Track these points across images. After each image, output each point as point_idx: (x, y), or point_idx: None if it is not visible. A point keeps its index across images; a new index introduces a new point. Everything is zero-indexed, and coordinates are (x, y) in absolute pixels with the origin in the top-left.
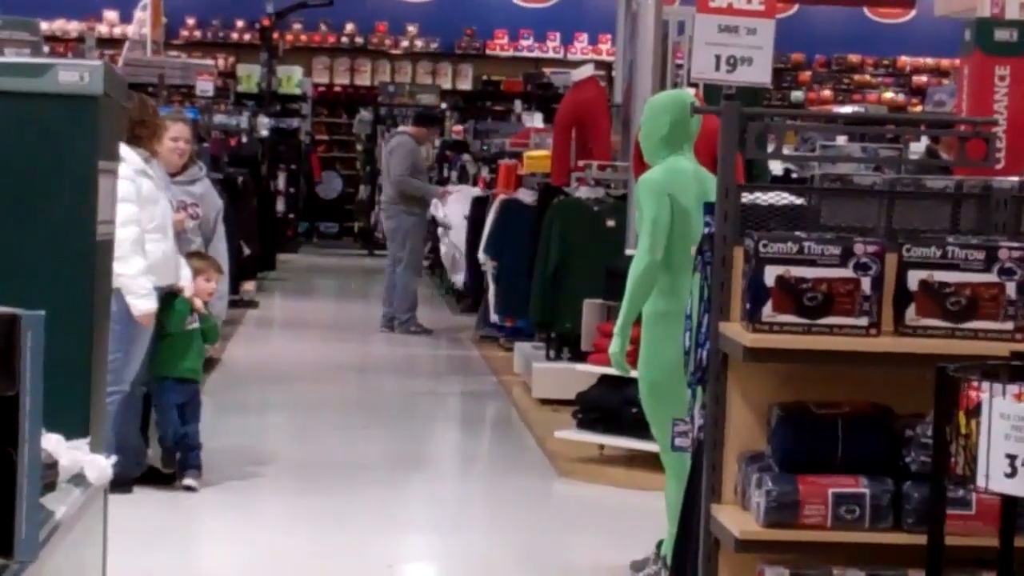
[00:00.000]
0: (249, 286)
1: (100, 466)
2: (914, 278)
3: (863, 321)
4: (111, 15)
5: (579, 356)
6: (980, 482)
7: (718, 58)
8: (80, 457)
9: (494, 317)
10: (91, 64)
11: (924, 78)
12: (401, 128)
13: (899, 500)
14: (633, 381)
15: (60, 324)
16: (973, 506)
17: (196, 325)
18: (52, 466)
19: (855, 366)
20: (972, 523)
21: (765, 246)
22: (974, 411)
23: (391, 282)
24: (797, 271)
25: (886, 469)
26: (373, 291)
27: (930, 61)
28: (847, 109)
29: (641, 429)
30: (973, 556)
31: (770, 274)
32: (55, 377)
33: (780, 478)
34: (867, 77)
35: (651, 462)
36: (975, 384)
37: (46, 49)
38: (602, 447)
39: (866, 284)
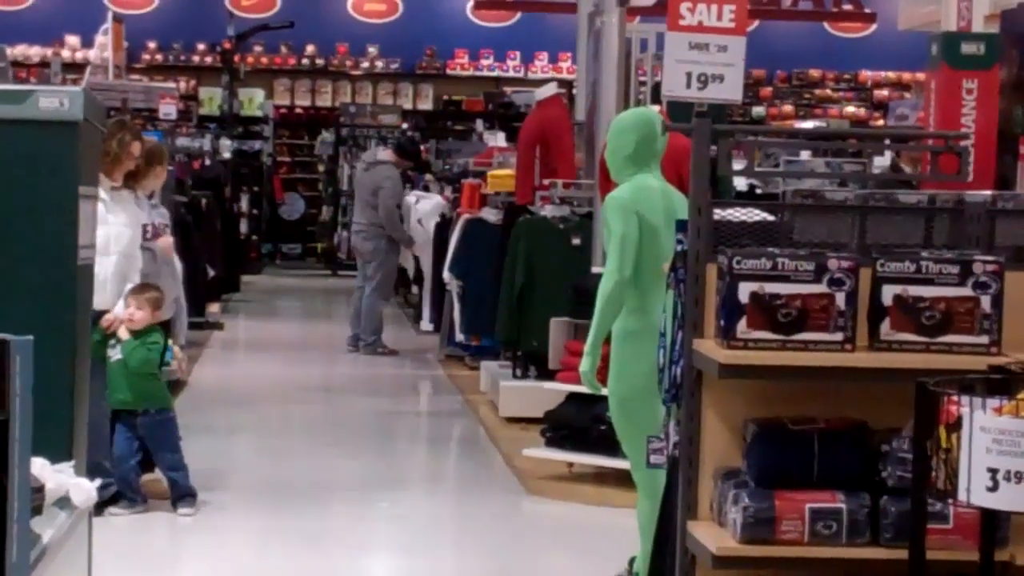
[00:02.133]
0: (214, 308)
1: (85, 489)
2: (888, 293)
3: (838, 336)
4: (72, 40)
5: (546, 374)
6: (961, 496)
7: (689, 75)
8: (65, 480)
9: (459, 336)
10: (70, 90)
11: (885, 92)
12: (382, 155)
13: (876, 515)
14: (602, 399)
15: (43, 348)
16: (951, 520)
17: (119, 356)
18: (39, 490)
19: (830, 381)
20: (950, 537)
21: (739, 263)
22: (955, 425)
23: (360, 303)
24: (771, 287)
25: (862, 484)
26: (337, 311)
27: (891, 75)
28: (809, 124)
29: (610, 446)
30: (951, 570)
31: (744, 290)
32: (39, 401)
33: (756, 494)
34: (828, 92)
35: (620, 479)
36: (954, 398)
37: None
38: (571, 464)
39: (840, 299)
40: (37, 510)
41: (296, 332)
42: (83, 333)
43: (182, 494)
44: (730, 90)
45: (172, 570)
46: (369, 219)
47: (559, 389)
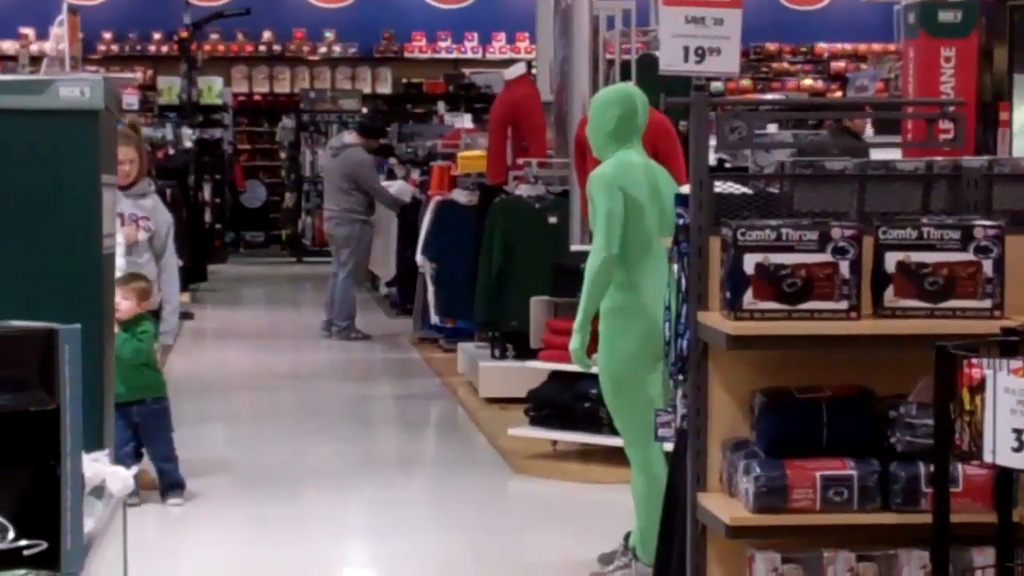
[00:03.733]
0: (184, 298)
1: (122, 477)
2: (891, 260)
3: (843, 305)
4: (27, 32)
5: (524, 354)
6: (987, 457)
7: (686, 50)
8: (101, 469)
9: (434, 319)
10: (91, 79)
11: (842, 64)
12: (348, 139)
13: (886, 480)
14: (585, 376)
15: None
16: (960, 483)
17: None
18: None
19: (836, 349)
20: (960, 500)
21: (743, 234)
22: (978, 387)
23: (334, 288)
24: (776, 258)
25: (871, 450)
26: (305, 298)
27: (847, 47)
28: (769, 97)
29: (594, 424)
30: (962, 533)
31: (749, 262)
32: None
33: (767, 464)
34: (785, 65)
35: (605, 456)
36: (975, 361)
37: None
38: (555, 443)
39: (844, 268)
40: None
41: (266, 320)
42: (108, 321)
43: (172, 484)
44: (727, 63)
45: (154, 559)
46: (340, 205)
47: (542, 368)
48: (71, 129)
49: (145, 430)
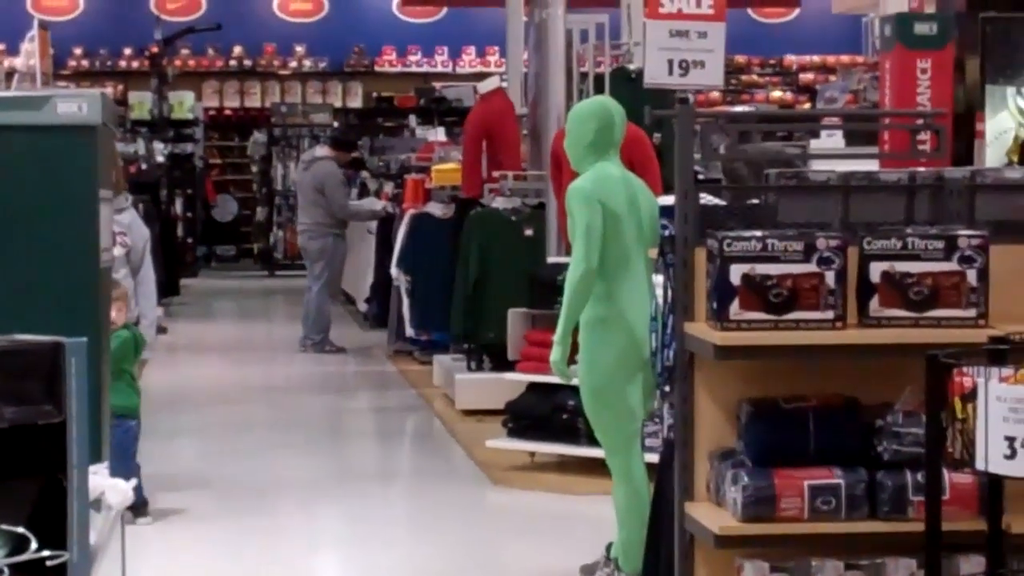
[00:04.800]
0: (157, 312)
1: (122, 490)
2: (876, 270)
3: (829, 315)
4: None
5: (501, 365)
6: (979, 465)
7: (671, 62)
8: (101, 482)
9: (409, 331)
10: (89, 94)
11: (811, 76)
12: (319, 152)
13: (873, 489)
14: (563, 388)
15: None
16: (947, 491)
17: None
18: None
19: (823, 359)
20: (947, 508)
21: (729, 245)
22: (969, 396)
23: (316, 303)
24: (762, 268)
25: (858, 459)
26: (277, 311)
27: (816, 59)
28: (738, 109)
29: (572, 435)
30: (949, 541)
31: (735, 272)
32: None
33: (755, 473)
34: (755, 77)
35: (583, 467)
36: (964, 370)
37: None
38: (533, 454)
39: (830, 278)
40: None
41: (239, 333)
42: (106, 335)
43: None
44: (711, 75)
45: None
46: (313, 218)
47: (519, 380)
48: (69, 144)
49: (114, 448)
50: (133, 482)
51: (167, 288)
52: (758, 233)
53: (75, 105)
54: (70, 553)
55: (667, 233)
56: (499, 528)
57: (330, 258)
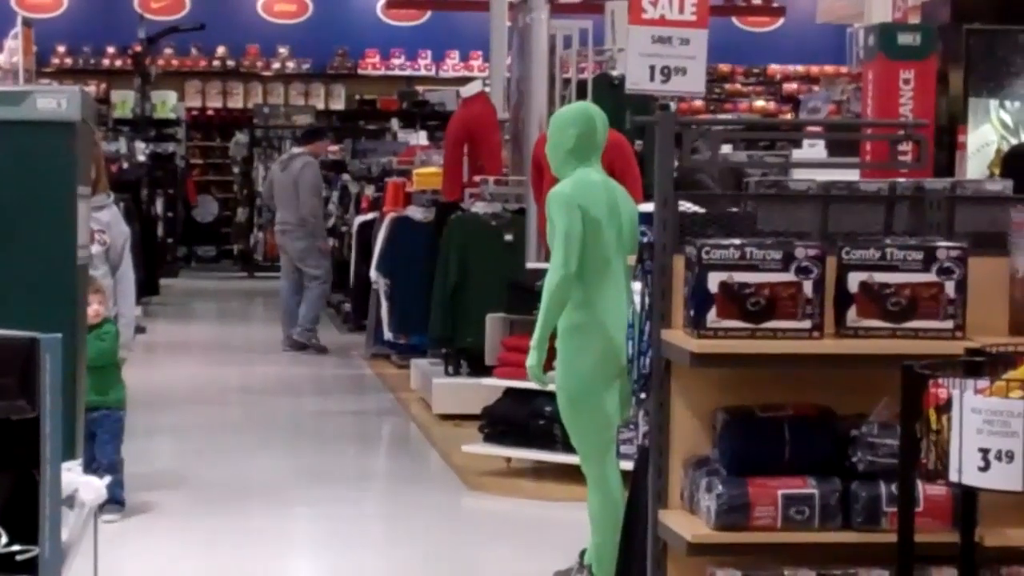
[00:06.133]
0: (135, 311)
1: (95, 487)
2: (854, 280)
3: (806, 324)
4: None
5: (479, 371)
6: (953, 476)
7: (652, 69)
8: (74, 478)
9: (388, 335)
10: (68, 91)
11: (794, 85)
12: (296, 149)
13: (847, 499)
14: (540, 393)
15: None
16: (921, 502)
17: None
18: None
19: (799, 368)
20: (921, 519)
21: (708, 253)
22: (944, 407)
23: (290, 304)
24: (740, 276)
25: (832, 469)
26: (256, 313)
27: (800, 68)
28: (723, 117)
29: (548, 441)
30: (922, 552)
31: (713, 280)
32: None
33: (729, 481)
34: (738, 86)
35: (559, 473)
36: (940, 381)
37: None
38: (509, 460)
39: (808, 287)
40: None
41: (217, 334)
42: (82, 331)
43: (112, 499)
44: (693, 82)
45: (106, 572)
46: (297, 219)
47: (496, 385)
48: (48, 140)
49: (102, 438)
50: (107, 479)
51: (146, 287)
52: (736, 241)
53: (54, 101)
54: (41, 548)
55: (646, 240)
56: (474, 533)
57: (320, 255)
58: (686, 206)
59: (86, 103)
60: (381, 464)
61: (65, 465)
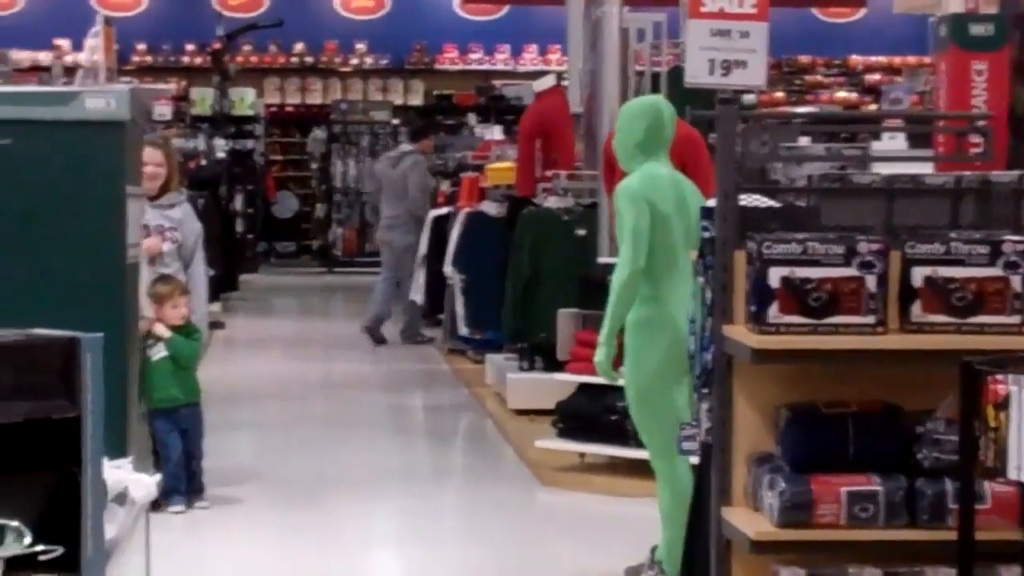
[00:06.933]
0: (214, 307)
1: (145, 484)
2: (918, 274)
3: (869, 319)
4: (63, 43)
5: (553, 366)
6: (1011, 474)
7: (712, 62)
8: (124, 476)
9: (463, 330)
10: (117, 90)
11: (876, 76)
12: (406, 146)
13: (912, 497)
14: (613, 388)
15: None
16: (988, 500)
17: (164, 354)
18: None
19: (862, 364)
20: (988, 517)
21: (769, 248)
22: (1002, 404)
23: (387, 296)
24: (802, 272)
25: (897, 466)
26: (335, 308)
27: (882, 59)
28: (802, 110)
29: (622, 436)
30: (990, 550)
31: (774, 275)
32: None
33: (793, 478)
34: (819, 77)
35: (633, 469)
36: (999, 377)
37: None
38: (583, 455)
39: (871, 282)
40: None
41: (296, 329)
42: (132, 330)
43: (202, 488)
44: (753, 76)
45: (184, 564)
46: (402, 214)
47: (569, 380)
48: (97, 140)
49: (195, 433)
50: (157, 477)
51: (226, 283)
52: (798, 236)
53: (104, 101)
54: (83, 547)
55: (707, 235)
56: (547, 529)
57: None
58: (759, 200)
59: (136, 103)
60: (457, 459)
61: (115, 463)
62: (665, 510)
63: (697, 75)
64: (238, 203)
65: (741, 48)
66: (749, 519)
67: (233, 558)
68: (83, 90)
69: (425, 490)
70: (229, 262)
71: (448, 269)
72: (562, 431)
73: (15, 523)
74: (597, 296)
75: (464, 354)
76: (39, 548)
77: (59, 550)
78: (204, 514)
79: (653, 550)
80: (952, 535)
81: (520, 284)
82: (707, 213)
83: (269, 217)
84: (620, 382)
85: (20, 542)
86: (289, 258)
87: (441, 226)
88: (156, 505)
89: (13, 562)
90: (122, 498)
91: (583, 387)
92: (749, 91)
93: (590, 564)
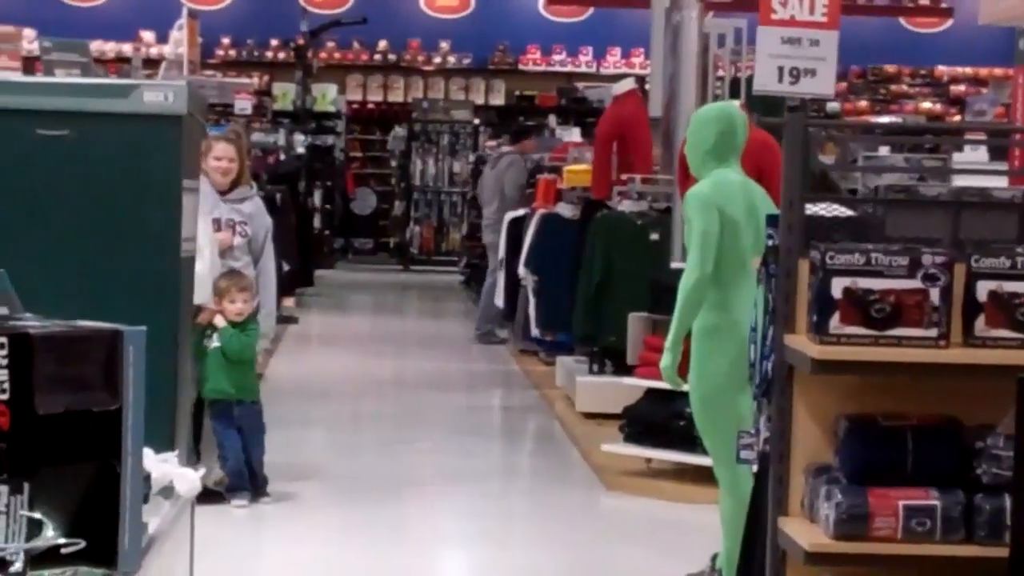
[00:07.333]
0: (289, 302)
1: (190, 479)
2: (983, 288)
3: (932, 332)
4: (147, 35)
5: (623, 369)
6: None
7: (781, 70)
8: (170, 470)
9: (535, 331)
10: (175, 84)
11: (962, 87)
12: (506, 148)
13: (971, 512)
14: (681, 394)
15: (147, 338)
16: None
17: (216, 344)
18: (145, 479)
19: (923, 378)
20: None
21: (832, 258)
22: None
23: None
24: (864, 282)
25: (956, 481)
26: (410, 306)
27: (968, 70)
28: (885, 119)
29: (689, 442)
30: None
31: (837, 286)
32: None
33: (849, 490)
34: (904, 87)
35: (700, 475)
36: None
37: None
38: (649, 460)
39: (934, 295)
40: (144, 499)
41: (369, 326)
42: (185, 324)
43: (265, 482)
44: (822, 84)
45: (250, 560)
46: (499, 214)
47: (637, 385)
48: (154, 133)
49: (251, 431)
50: (202, 471)
51: (301, 279)
52: (862, 246)
53: (161, 94)
54: (120, 540)
55: (771, 243)
56: (610, 533)
57: None
58: (833, 208)
59: (194, 96)
60: (524, 461)
61: (161, 456)
62: (726, 518)
63: (765, 82)
64: (316, 199)
65: (811, 56)
66: (805, 530)
67: (292, 556)
68: (142, 83)
69: (490, 491)
70: (305, 257)
71: (522, 270)
72: (629, 435)
73: (37, 515)
74: (668, 301)
75: (535, 355)
76: (62, 541)
77: (81, 543)
78: (267, 509)
79: (714, 558)
80: None
81: (592, 287)
82: (772, 221)
83: (348, 214)
84: (685, 388)
85: (41, 535)
86: (366, 255)
87: (518, 228)
88: (221, 499)
89: (48, 552)
90: (168, 492)
91: (651, 392)
92: (819, 99)
93: (652, 570)
